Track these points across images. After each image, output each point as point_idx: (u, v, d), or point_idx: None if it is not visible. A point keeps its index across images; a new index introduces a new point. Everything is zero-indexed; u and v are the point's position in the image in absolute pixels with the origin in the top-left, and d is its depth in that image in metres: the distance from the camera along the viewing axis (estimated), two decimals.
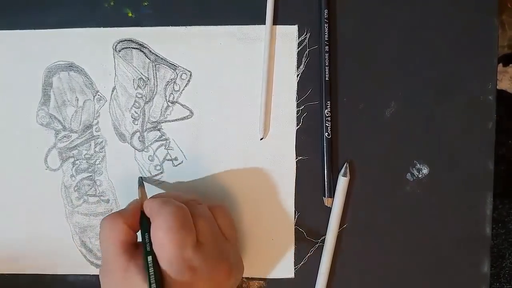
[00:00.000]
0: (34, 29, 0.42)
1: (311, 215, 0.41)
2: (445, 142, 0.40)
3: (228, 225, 0.37)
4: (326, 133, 0.40)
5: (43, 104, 0.42)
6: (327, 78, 0.40)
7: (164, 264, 0.31)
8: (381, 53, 0.40)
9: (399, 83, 0.40)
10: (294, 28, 0.41)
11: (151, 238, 0.32)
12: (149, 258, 0.31)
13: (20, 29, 0.42)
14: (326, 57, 0.40)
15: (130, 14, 0.41)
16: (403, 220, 0.41)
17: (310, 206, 0.41)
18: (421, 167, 0.41)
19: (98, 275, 0.42)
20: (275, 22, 0.41)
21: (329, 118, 0.40)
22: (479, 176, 0.40)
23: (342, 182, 0.40)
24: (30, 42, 0.42)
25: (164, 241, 0.31)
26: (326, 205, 0.40)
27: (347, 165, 0.40)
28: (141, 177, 0.41)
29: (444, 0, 0.40)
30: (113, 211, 0.42)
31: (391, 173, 0.41)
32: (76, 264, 0.43)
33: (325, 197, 0.40)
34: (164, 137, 0.41)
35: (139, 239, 0.34)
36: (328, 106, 0.40)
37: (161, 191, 0.42)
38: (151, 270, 0.31)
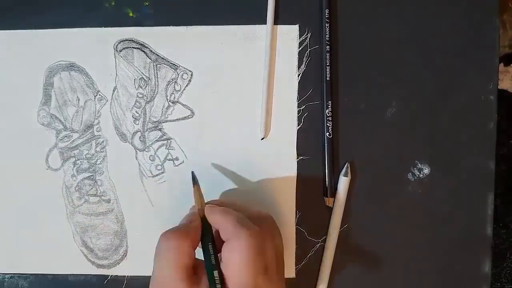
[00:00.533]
0: (35, 29, 0.42)
1: (312, 215, 0.41)
2: (446, 142, 0.40)
3: (280, 237, 0.36)
4: (327, 133, 0.40)
5: (44, 104, 0.42)
6: (328, 78, 0.40)
7: (233, 285, 0.30)
8: (382, 53, 0.40)
9: (400, 83, 0.40)
10: (295, 28, 0.41)
11: (224, 259, 0.31)
12: (215, 273, 0.30)
13: (21, 29, 0.42)
14: (327, 57, 0.40)
15: (131, 14, 0.41)
16: (404, 220, 0.41)
17: (311, 206, 0.41)
18: (422, 167, 0.41)
19: (98, 275, 0.42)
20: (276, 21, 0.41)
21: (330, 118, 0.40)
22: (480, 176, 0.40)
23: (343, 182, 0.40)
24: (31, 42, 0.42)
25: (241, 267, 0.30)
26: (327, 205, 0.40)
27: (348, 165, 0.40)
28: (193, 172, 0.36)
29: (445, 0, 0.40)
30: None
31: (392, 173, 0.41)
32: (77, 264, 0.43)
33: (326, 197, 0.40)
34: (165, 137, 0.41)
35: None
36: (329, 106, 0.40)
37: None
38: (219, 286, 0.30)
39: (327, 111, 0.40)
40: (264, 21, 0.40)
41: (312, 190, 0.41)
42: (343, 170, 0.40)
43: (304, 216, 0.41)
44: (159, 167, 0.42)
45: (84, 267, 0.43)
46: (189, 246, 0.31)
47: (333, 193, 0.40)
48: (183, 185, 0.42)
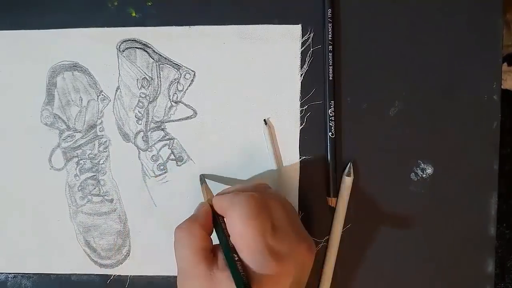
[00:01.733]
0: (38, 29, 0.42)
1: (315, 214, 0.41)
2: (449, 141, 0.40)
3: (288, 202, 0.36)
4: (330, 133, 0.40)
5: (47, 104, 0.42)
6: (330, 78, 0.40)
7: (247, 255, 0.30)
8: (384, 52, 0.40)
9: (403, 83, 0.40)
10: (297, 28, 0.41)
11: (229, 232, 0.32)
12: (231, 254, 0.30)
13: (24, 29, 0.42)
14: (330, 56, 0.40)
15: (133, 14, 0.41)
16: (407, 220, 0.41)
17: (314, 206, 0.41)
18: (425, 166, 0.40)
19: (101, 275, 0.42)
20: (279, 21, 0.41)
21: (332, 118, 0.40)
22: (483, 176, 0.40)
23: (346, 182, 0.40)
24: (34, 42, 0.42)
25: (244, 230, 0.30)
26: (330, 205, 0.40)
27: (351, 165, 0.40)
28: (202, 175, 0.41)
29: (449, 0, 0.40)
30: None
31: (395, 172, 0.41)
32: (80, 264, 0.43)
33: (329, 197, 0.40)
34: (167, 136, 0.41)
35: (215, 241, 0.33)
36: (332, 106, 0.40)
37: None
38: (238, 264, 0.30)
39: (329, 111, 0.40)
40: (266, 21, 0.40)
41: (315, 190, 0.41)
42: (346, 170, 0.40)
43: (307, 216, 0.41)
44: (161, 167, 0.42)
45: (87, 267, 0.43)
46: (200, 229, 0.32)
47: (336, 193, 0.40)
48: (185, 185, 0.42)
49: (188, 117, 0.41)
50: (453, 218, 0.40)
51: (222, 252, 0.32)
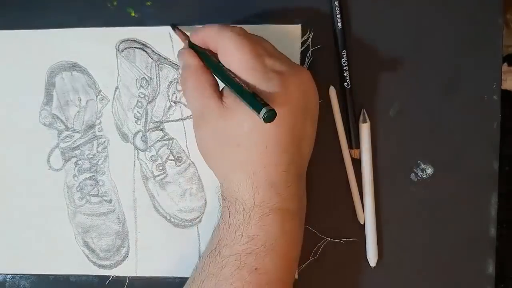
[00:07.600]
0: (37, 29, 0.42)
1: (314, 215, 0.41)
2: (449, 142, 0.40)
3: None
4: (346, 83, 0.40)
5: (46, 104, 0.42)
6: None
7: (248, 76, 0.31)
8: (384, 53, 0.40)
9: (403, 83, 0.40)
10: (297, 28, 0.40)
11: (224, 62, 0.33)
12: (232, 77, 0.32)
13: (23, 29, 0.42)
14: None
15: (133, 14, 0.41)
16: (407, 221, 0.41)
17: (314, 206, 0.41)
18: (425, 167, 0.40)
19: (99, 275, 0.42)
20: (278, 21, 0.40)
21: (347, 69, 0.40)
22: (484, 176, 0.40)
23: (365, 129, 0.39)
24: (33, 42, 0.42)
25: (240, 53, 0.32)
26: (353, 157, 0.40)
27: (364, 111, 0.40)
28: (173, 24, 0.40)
29: (449, 0, 0.40)
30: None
31: (395, 173, 0.41)
32: (78, 265, 0.42)
33: (351, 149, 0.40)
34: (166, 137, 0.41)
35: None
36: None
37: None
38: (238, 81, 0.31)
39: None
40: (266, 21, 0.40)
41: (315, 190, 0.41)
42: (361, 117, 0.40)
43: (306, 216, 0.41)
44: (160, 168, 0.42)
45: (86, 268, 0.42)
46: (204, 69, 0.35)
47: (357, 143, 0.40)
48: (185, 186, 0.41)
49: (187, 117, 0.41)
50: (453, 218, 0.40)
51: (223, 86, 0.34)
